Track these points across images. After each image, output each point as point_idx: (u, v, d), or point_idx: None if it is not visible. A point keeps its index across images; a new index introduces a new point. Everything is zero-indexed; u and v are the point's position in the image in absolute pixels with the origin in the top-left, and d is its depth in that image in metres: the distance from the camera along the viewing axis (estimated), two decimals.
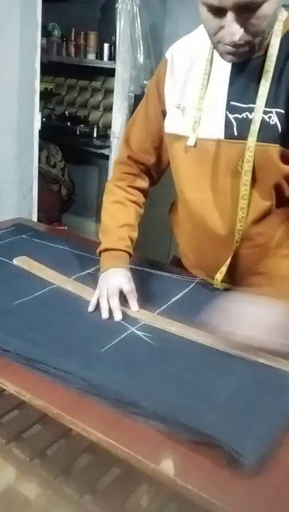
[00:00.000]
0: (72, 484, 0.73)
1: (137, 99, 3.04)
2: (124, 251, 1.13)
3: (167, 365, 0.85)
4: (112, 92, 3.15)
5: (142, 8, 2.92)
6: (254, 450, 0.66)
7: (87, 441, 0.78)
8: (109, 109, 3.59)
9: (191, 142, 1.05)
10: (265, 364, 0.86)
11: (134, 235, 1.18)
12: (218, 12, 0.87)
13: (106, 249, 1.13)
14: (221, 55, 0.96)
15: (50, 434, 0.81)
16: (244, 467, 0.64)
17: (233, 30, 0.87)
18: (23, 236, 1.40)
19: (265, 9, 0.86)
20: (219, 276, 1.13)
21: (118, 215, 1.18)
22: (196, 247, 1.20)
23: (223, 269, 1.11)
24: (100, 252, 1.15)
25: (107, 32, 3.33)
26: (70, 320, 0.97)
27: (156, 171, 1.24)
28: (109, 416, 0.73)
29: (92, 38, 3.45)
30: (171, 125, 1.11)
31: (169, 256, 2.94)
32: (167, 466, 0.65)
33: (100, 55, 3.44)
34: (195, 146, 1.05)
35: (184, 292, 1.13)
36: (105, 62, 3.39)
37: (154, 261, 1.33)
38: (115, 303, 1.01)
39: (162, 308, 1.05)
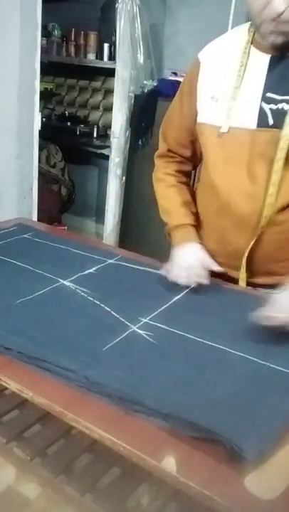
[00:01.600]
0: (73, 483, 0.73)
1: (137, 99, 3.05)
2: (191, 225, 1.23)
3: (169, 364, 0.85)
4: (112, 92, 3.16)
5: (142, 8, 2.93)
6: (255, 446, 0.66)
7: (87, 440, 0.78)
8: (109, 109, 3.59)
9: (224, 129, 1.10)
10: (265, 363, 0.86)
11: (194, 210, 1.28)
12: None
13: (175, 227, 1.24)
14: (264, 36, 1.02)
15: (50, 433, 0.81)
16: (246, 464, 0.64)
17: (278, 3, 0.93)
18: (25, 236, 1.41)
19: None
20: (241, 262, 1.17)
21: (175, 197, 1.28)
22: (218, 233, 1.22)
23: (246, 255, 1.16)
24: (169, 232, 1.26)
25: (107, 32, 3.33)
26: (72, 319, 0.97)
27: (193, 160, 1.33)
28: (111, 414, 0.73)
29: (92, 38, 3.45)
30: (204, 115, 1.16)
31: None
32: (169, 464, 0.65)
33: (100, 55, 3.44)
34: (227, 132, 1.10)
35: (185, 291, 1.13)
36: (105, 62, 3.39)
37: (155, 260, 1.33)
38: (194, 273, 1.12)
39: (164, 307, 1.05)
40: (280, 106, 1.05)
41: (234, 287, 1.21)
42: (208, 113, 1.15)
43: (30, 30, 2.27)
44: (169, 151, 1.31)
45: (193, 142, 1.25)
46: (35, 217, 2.57)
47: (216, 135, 1.12)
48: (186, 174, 1.34)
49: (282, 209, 1.10)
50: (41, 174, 2.89)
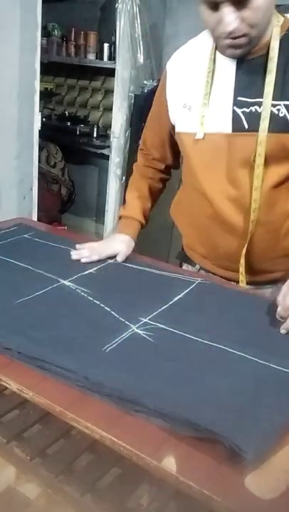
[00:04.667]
0: (73, 483, 0.73)
1: (137, 99, 3.05)
2: (135, 219, 1.33)
3: (169, 364, 0.85)
4: (112, 92, 3.16)
5: (141, 8, 2.93)
6: (255, 445, 0.66)
7: (87, 440, 0.78)
8: (109, 109, 3.60)
9: (199, 135, 1.11)
10: (266, 363, 0.86)
11: (149, 205, 1.38)
12: (215, 6, 0.95)
13: (122, 217, 1.36)
14: (222, 50, 1.04)
15: (50, 433, 0.81)
16: (246, 464, 0.64)
17: (229, 21, 0.94)
18: (25, 236, 1.40)
19: (259, 2, 0.93)
20: (241, 267, 1.18)
21: (135, 191, 1.39)
22: (209, 237, 1.22)
23: (242, 260, 1.16)
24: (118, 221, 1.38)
25: (107, 32, 3.34)
26: (73, 319, 0.97)
27: (164, 162, 1.38)
28: (111, 414, 0.73)
29: (92, 38, 3.45)
30: (180, 124, 1.17)
31: (169, 256, 2.95)
32: (169, 464, 0.65)
33: (99, 55, 3.44)
34: (204, 139, 1.10)
35: (185, 292, 1.13)
36: (105, 62, 3.39)
37: (155, 261, 1.33)
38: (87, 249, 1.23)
39: (164, 307, 1.04)
40: (252, 109, 1.05)
41: (234, 287, 1.21)
42: (182, 121, 1.16)
43: (30, 30, 2.27)
44: (142, 150, 1.40)
45: (163, 146, 1.31)
46: (35, 217, 2.57)
47: (193, 142, 1.13)
48: (159, 171, 1.39)
49: (268, 211, 1.11)
50: (41, 174, 2.90)
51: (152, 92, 3.01)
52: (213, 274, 1.27)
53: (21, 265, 1.19)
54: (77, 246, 1.26)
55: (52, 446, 0.80)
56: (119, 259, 1.24)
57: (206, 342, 0.92)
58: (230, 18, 0.93)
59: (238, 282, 1.21)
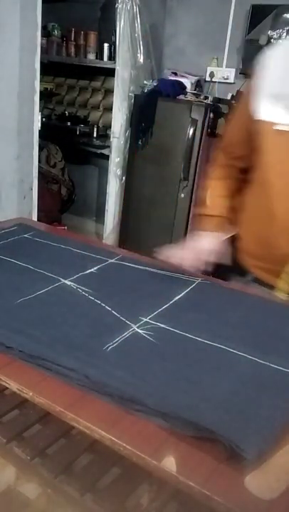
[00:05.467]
0: (73, 483, 0.73)
1: (137, 99, 3.05)
2: (219, 216, 1.27)
3: (169, 363, 0.85)
4: (112, 92, 3.16)
5: (142, 8, 2.93)
6: (255, 445, 0.66)
7: (87, 440, 0.78)
8: (109, 109, 3.60)
9: (283, 126, 1.10)
10: (266, 363, 0.86)
11: (229, 204, 1.31)
12: None
13: (202, 216, 1.30)
14: None
15: (50, 433, 0.81)
16: (246, 464, 0.64)
17: None
18: (26, 236, 1.41)
19: None
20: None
21: (216, 189, 1.33)
22: (265, 237, 1.19)
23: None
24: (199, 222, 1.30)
25: (107, 32, 3.34)
26: (73, 318, 0.97)
27: (245, 159, 1.31)
28: (111, 413, 0.73)
29: (92, 38, 3.45)
30: (264, 112, 1.15)
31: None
32: (169, 463, 0.65)
33: (99, 55, 3.44)
34: (288, 131, 1.09)
35: (186, 291, 1.13)
36: (105, 62, 3.39)
37: (155, 260, 1.33)
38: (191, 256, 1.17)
39: (164, 306, 1.04)
40: None
41: (234, 287, 1.20)
42: (268, 111, 1.14)
43: (30, 30, 2.27)
44: (223, 148, 1.35)
45: (246, 142, 1.24)
46: (35, 217, 2.57)
47: (274, 133, 1.11)
48: (239, 170, 1.32)
49: None
50: (41, 174, 2.90)
51: (152, 92, 3.02)
52: (265, 285, 1.23)
53: (22, 265, 1.19)
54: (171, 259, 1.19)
55: (52, 446, 0.80)
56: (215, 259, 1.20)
57: (207, 341, 0.92)
58: None
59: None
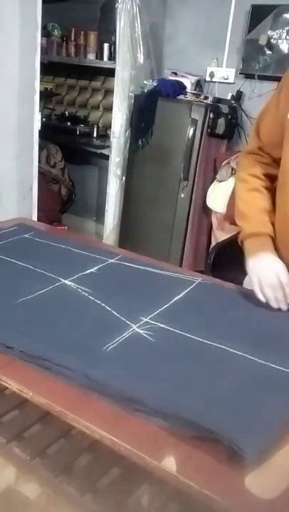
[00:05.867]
0: (73, 483, 0.73)
1: (137, 99, 3.05)
2: (268, 235, 1.14)
3: (169, 363, 0.85)
4: (112, 92, 3.15)
5: (142, 8, 2.93)
6: (255, 445, 0.66)
7: (87, 440, 0.78)
8: (109, 109, 3.59)
9: None
10: (266, 363, 0.86)
11: (274, 219, 1.18)
12: None
13: (250, 234, 1.15)
14: None
15: (50, 433, 0.81)
16: (246, 464, 0.64)
17: None
18: (26, 236, 1.41)
19: None
20: None
21: (256, 202, 1.19)
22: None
23: None
24: (244, 239, 1.16)
25: (107, 32, 3.33)
26: (74, 318, 0.97)
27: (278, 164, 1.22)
28: (111, 413, 0.73)
29: (92, 38, 3.45)
30: None
31: (169, 255, 2.96)
32: (169, 463, 0.65)
33: (99, 55, 3.44)
34: None
35: (185, 291, 1.13)
36: (105, 62, 3.39)
37: (155, 260, 1.33)
38: (280, 295, 1.05)
39: (164, 307, 1.05)
40: None
41: (234, 287, 1.20)
42: None
43: (30, 30, 2.26)
44: (259, 149, 1.22)
45: (281, 143, 1.15)
46: (35, 217, 2.57)
47: None
48: (272, 179, 1.21)
49: None
50: (41, 174, 2.89)
51: (152, 92, 3.02)
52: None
53: (22, 265, 1.19)
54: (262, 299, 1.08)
55: (52, 446, 0.80)
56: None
57: (206, 341, 0.92)
58: None
59: None
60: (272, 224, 1.17)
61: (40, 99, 2.49)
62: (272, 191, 1.20)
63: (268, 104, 1.20)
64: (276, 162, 1.20)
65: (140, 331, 0.94)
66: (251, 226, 1.16)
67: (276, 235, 1.16)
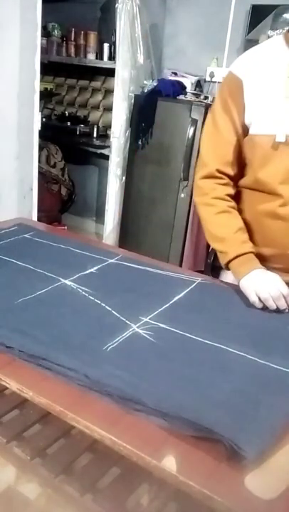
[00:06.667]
0: (73, 483, 0.73)
1: (137, 99, 3.05)
2: (251, 252, 1.16)
3: (169, 363, 0.85)
4: (112, 92, 3.16)
5: (142, 8, 2.93)
6: (255, 445, 0.66)
7: (87, 440, 0.78)
8: (109, 109, 3.59)
9: (280, 138, 1.10)
10: (266, 362, 0.86)
11: (247, 235, 1.20)
12: None
13: (235, 257, 1.16)
14: None
15: (50, 433, 0.81)
16: (246, 464, 0.64)
17: None
18: (26, 236, 1.41)
19: None
20: None
21: (229, 223, 1.21)
22: (278, 238, 1.19)
23: None
24: (228, 262, 1.17)
25: (107, 32, 3.34)
26: (74, 318, 0.97)
27: (236, 180, 1.26)
28: (111, 413, 0.73)
29: (92, 38, 3.45)
30: (257, 127, 1.15)
31: (169, 255, 2.96)
32: (169, 463, 0.65)
33: (99, 55, 3.44)
34: (285, 142, 1.10)
35: (185, 291, 1.13)
36: (105, 62, 3.39)
37: (155, 260, 1.33)
38: (281, 303, 1.07)
39: (164, 306, 1.05)
40: None
41: (234, 287, 1.20)
42: (261, 124, 1.14)
43: (30, 30, 2.27)
44: (217, 170, 1.23)
45: (238, 159, 1.21)
46: (35, 217, 2.57)
47: (271, 145, 1.12)
48: (233, 198, 1.25)
49: None
50: (41, 174, 2.89)
51: (152, 92, 3.02)
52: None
53: (22, 265, 1.19)
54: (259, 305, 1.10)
55: (52, 446, 0.80)
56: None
57: (206, 341, 0.92)
58: None
59: None
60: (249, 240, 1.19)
61: (40, 99, 2.49)
62: (236, 208, 1.23)
63: (211, 130, 1.24)
64: (233, 180, 1.24)
65: (140, 331, 0.94)
66: (233, 249, 1.17)
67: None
